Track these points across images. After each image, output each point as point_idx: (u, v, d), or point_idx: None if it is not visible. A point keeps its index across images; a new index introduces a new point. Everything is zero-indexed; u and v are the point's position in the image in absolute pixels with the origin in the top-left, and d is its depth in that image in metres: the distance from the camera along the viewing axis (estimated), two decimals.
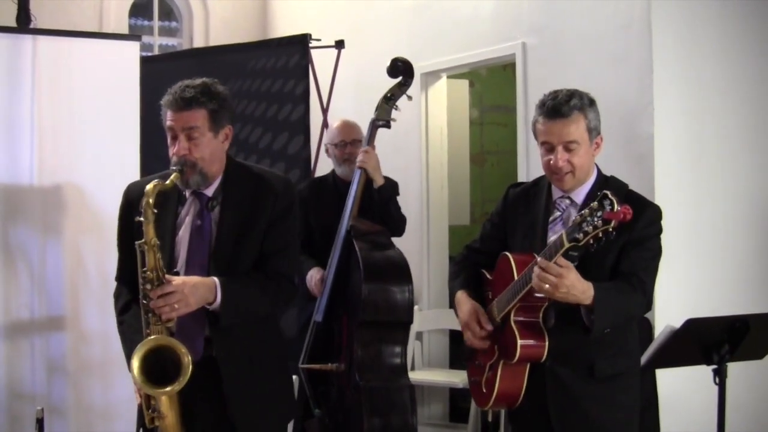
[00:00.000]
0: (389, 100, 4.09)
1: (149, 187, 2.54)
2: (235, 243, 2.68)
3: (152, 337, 2.53)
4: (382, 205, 4.06)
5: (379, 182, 4.04)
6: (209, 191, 2.72)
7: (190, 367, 2.48)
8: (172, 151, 2.66)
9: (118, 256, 2.84)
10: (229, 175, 2.75)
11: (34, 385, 4.13)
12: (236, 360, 2.67)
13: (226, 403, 2.63)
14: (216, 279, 2.59)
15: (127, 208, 2.76)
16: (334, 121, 4.43)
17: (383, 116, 4.08)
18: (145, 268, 2.53)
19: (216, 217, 2.70)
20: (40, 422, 3.36)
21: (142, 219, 2.53)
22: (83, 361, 4.22)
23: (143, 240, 2.53)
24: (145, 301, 2.54)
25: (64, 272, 4.22)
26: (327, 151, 4.32)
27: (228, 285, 2.60)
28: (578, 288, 2.44)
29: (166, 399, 2.54)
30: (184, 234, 2.70)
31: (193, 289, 2.54)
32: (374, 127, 4.09)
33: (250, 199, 2.71)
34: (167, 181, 2.57)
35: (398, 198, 4.24)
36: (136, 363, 2.48)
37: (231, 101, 2.76)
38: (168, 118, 2.66)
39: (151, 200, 2.52)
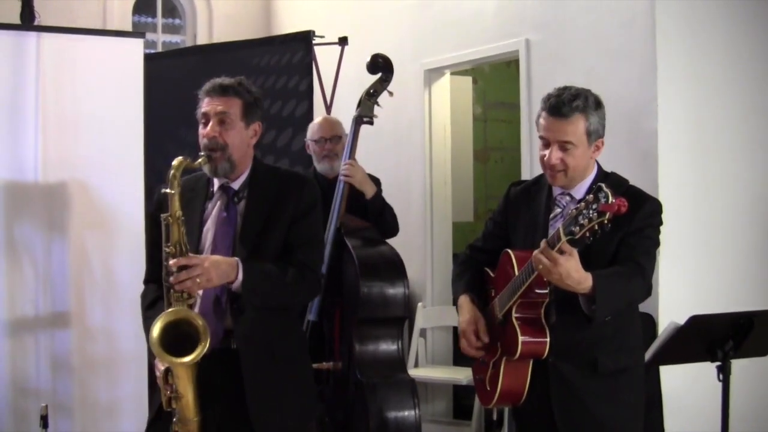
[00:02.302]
0: (371, 97, 4.09)
1: (176, 161, 2.61)
2: (260, 234, 2.73)
3: (172, 309, 2.55)
4: (377, 215, 4.05)
5: (370, 193, 4.02)
6: (236, 185, 2.78)
7: (208, 338, 2.49)
8: (203, 134, 2.73)
9: (146, 257, 2.90)
10: (256, 171, 2.82)
11: (39, 382, 4.13)
12: (257, 352, 2.68)
13: (244, 395, 2.65)
14: (238, 258, 2.63)
15: (157, 207, 2.80)
16: (315, 118, 4.43)
17: (366, 113, 4.08)
18: (168, 243, 2.57)
19: (242, 209, 2.76)
20: (44, 419, 3.37)
21: (168, 190, 2.58)
22: (88, 358, 4.23)
23: (168, 213, 2.58)
24: (166, 278, 2.57)
25: (69, 268, 4.22)
26: (307, 147, 4.30)
27: (250, 264, 2.64)
28: (574, 277, 2.43)
29: (183, 376, 2.54)
30: (210, 225, 2.76)
31: (214, 263, 2.57)
32: (357, 124, 4.08)
33: (275, 195, 2.77)
34: (195, 163, 2.65)
35: (400, 196, 4.24)
36: (155, 333, 2.49)
37: (262, 101, 2.85)
38: (204, 104, 2.75)
39: (177, 173, 2.59)
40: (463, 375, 5.02)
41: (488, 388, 2.76)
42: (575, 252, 2.41)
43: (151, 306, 2.78)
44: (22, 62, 4.17)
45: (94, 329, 4.23)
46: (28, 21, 4.62)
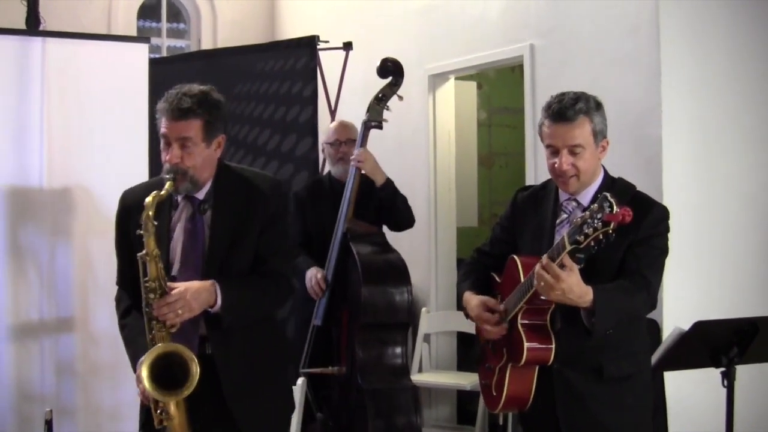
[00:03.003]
0: (380, 101, 4.10)
1: (148, 199, 2.58)
2: (228, 245, 2.71)
3: (160, 344, 2.57)
4: (389, 202, 4.05)
5: (380, 181, 4.03)
6: (200, 194, 2.75)
7: (198, 373, 2.51)
8: (165, 157, 2.69)
9: (117, 261, 2.87)
10: (220, 178, 2.78)
11: (43, 387, 4.14)
12: (232, 357, 2.70)
13: (225, 399, 2.67)
14: (216, 282, 2.63)
15: (124, 214, 2.80)
16: (319, 124, 4.44)
17: (375, 117, 4.08)
18: (147, 278, 2.57)
19: (208, 219, 2.73)
20: (48, 423, 3.37)
21: (142, 232, 2.57)
22: (92, 363, 4.23)
23: (144, 251, 2.57)
24: (147, 309, 2.58)
25: (73, 274, 4.23)
26: (323, 150, 4.32)
27: (228, 287, 2.64)
28: (575, 292, 2.43)
29: (173, 401, 2.57)
30: (177, 237, 2.73)
31: (195, 294, 2.59)
32: (366, 128, 4.09)
33: (241, 202, 2.74)
34: (162, 191, 2.61)
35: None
36: (145, 371, 2.52)
37: (226, 109, 2.78)
38: (163, 125, 2.68)
39: (150, 212, 2.56)
40: (467, 380, 5.02)
41: (494, 394, 2.76)
42: (575, 267, 2.42)
43: (125, 314, 2.79)
44: (28, 67, 4.18)
45: (98, 334, 4.23)
46: (33, 26, 4.63)
